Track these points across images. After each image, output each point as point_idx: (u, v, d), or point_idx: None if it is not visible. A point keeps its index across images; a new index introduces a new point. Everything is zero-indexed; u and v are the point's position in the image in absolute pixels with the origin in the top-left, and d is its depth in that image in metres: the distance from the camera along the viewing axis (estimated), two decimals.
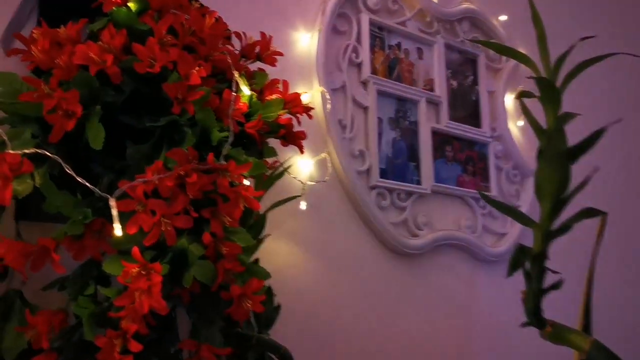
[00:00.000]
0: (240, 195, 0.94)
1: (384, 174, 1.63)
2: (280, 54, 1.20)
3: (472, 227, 1.80)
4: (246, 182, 0.97)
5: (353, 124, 1.62)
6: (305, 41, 1.60)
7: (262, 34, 1.18)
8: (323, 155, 1.50)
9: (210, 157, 0.91)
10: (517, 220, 0.83)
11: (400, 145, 1.71)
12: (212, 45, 1.01)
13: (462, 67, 1.95)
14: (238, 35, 1.18)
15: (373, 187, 1.61)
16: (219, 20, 1.06)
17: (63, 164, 0.84)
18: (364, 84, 1.68)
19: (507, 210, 0.85)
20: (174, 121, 0.95)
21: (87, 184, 0.83)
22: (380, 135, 1.67)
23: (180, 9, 1.07)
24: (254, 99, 1.10)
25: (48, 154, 0.85)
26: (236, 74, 1.02)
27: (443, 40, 1.88)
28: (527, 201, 1.95)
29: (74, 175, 0.83)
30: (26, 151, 0.85)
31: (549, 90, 0.89)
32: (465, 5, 1.97)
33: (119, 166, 0.97)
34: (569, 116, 0.88)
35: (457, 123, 1.84)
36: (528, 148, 2.04)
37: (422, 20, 1.88)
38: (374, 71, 1.70)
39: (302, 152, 1.19)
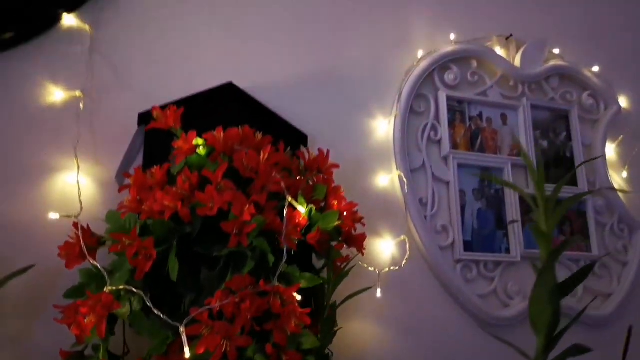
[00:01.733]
0: (293, 312, 1.08)
1: (469, 246, 1.69)
2: (336, 167, 1.33)
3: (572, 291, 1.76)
4: (298, 297, 1.11)
5: (434, 200, 1.69)
6: (383, 128, 1.72)
7: (320, 151, 1.33)
8: (402, 238, 1.60)
9: (262, 283, 1.06)
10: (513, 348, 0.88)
11: (487, 215, 1.75)
12: (266, 178, 1.17)
13: (553, 124, 1.93)
14: (302, 154, 1.33)
15: (458, 261, 1.67)
16: (273, 154, 1.21)
17: (145, 298, 1.05)
18: (445, 159, 1.75)
19: (505, 342, 0.91)
20: (235, 250, 1.12)
21: (161, 314, 1.02)
22: (463, 207, 1.72)
23: (246, 142, 1.25)
24: (314, 212, 1.24)
25: (134, 290, 1.06)
26: (289, 198, 1.17)
27: (529, 102, 1.89)
28: (636, 256, 1.86)
29: (152, 307, 1.03)
30: (120, 287, 1.07)
31: (540, 234, 0.95)
32: (552, 63, 1.96)
33: (198, 286, 1.16)
34: (558, 253, 0.93)
35: (549, 184, 1.82)
36: (636, 199, 1.95)
37: (505, 85, 1.91)
38: (454, 145, 1.77)
39: (362, 254, 1.31)
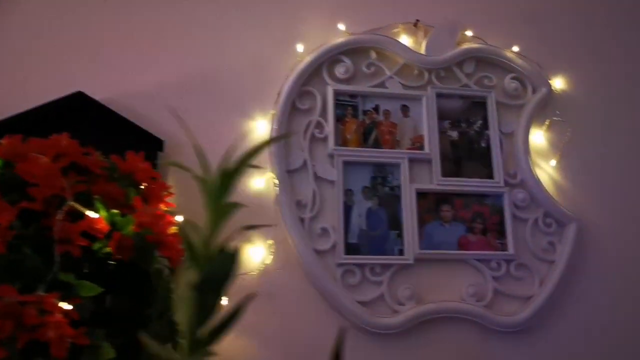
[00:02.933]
0: (53, 323, 1.04)
1: (355, 249, 1.57)
2: (151, 172, 1.27)
3: (479, 294, 1.59)
4: (67, 307, 1.07)
5: (315, 202, 1.59)
6: (262, 128, 1.64)
7: (130, 154, 1.28)
8: (269, 242, 1.52)
9: (12, 291, 1.03)
10: None
11: (378, 214, 1.62)
12: (46, 184, 1.14)
13: (467, 113, 1.77)
14: (116, 159, 1.30)
15: (339, 265, 1.55)
16: (65, 157, 1.19)
17: None
18: (331, 157, 1.64)
19: None
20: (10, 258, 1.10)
21: None
22: (350, 207, 1.61)
23: (54, 149, 1.24)
24: (117, 218, 1.20)
25: None
26: (71, 203, 1.13)
27: (434, 90, 1.74)
28: (564, 255, 1.66)
29: None
30: None
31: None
32: (465, 47, 1.80)
33: None
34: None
35: (455, 178, 1.68)
36: (568, 189, 1.75)
37: (409, 74, 1.77)
38: (344, 142, 1.66)
39: (176, 261, 1.25)
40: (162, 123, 1.56)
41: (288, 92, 1.65)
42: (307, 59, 1.69)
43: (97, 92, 1.52)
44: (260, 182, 1.59)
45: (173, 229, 1.29)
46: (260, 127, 1.64)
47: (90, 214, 1.16)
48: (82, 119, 1.49)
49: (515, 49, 1.83)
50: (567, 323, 1.62)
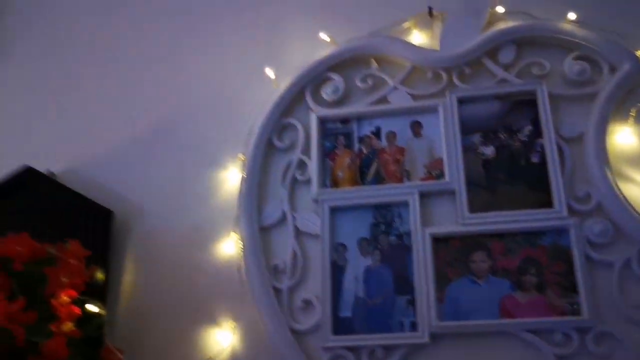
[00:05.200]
0: None
1: (348, 326, 1.16)
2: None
3: None
4: None
5: (296, 265, 1.23)
6: (236, 178, 1.33)
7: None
8: (230, 324, 1.19)
9: None
10: None
11: (380, 274, 1.19)
12: None
13: (508, 118, 1.26)
14: None
15: (327, 350, 1.15)
16: None
17: None
18: (317, 203, 1.27)
19: None
20: None
21: None
22: (342, 268, 1.21)
23: None
24: None
25: None
26: None
27: (453, 94, 1.27)
28: None
29: None
30: None
31: None
32: (497, 28, 1.31)
33: None
34: None
35: (492, 213, 1.18)
36: None
37: (421, 80, 1.33)
38: (335, 182, 1.28)
39: None
40: (114, 191, 1.36)
41: (261, 128, 1.33)
42: (284, 83, 1.36)
43: (50, 165, 1.38)
44: (231, 246, 1.27)
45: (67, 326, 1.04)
46: (232, 178, 1.34)
47: None
48: (31, 194, 1.35)
49: (572, 16, 1.28)
50: None
